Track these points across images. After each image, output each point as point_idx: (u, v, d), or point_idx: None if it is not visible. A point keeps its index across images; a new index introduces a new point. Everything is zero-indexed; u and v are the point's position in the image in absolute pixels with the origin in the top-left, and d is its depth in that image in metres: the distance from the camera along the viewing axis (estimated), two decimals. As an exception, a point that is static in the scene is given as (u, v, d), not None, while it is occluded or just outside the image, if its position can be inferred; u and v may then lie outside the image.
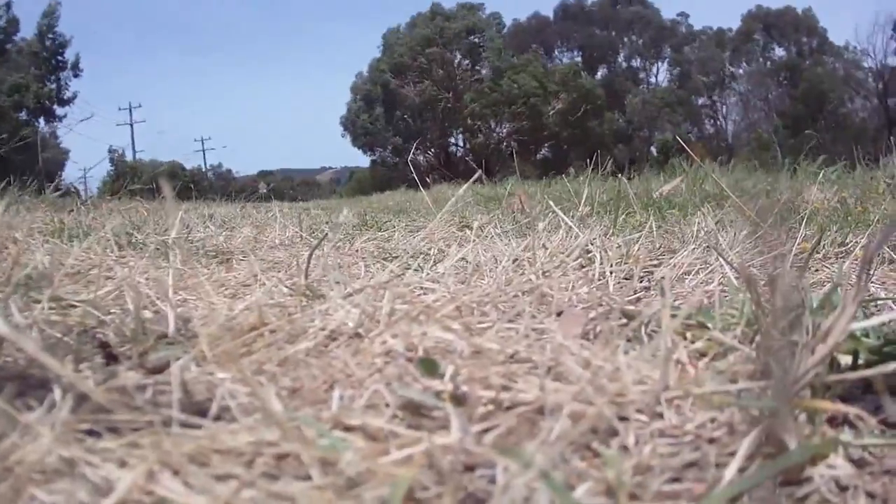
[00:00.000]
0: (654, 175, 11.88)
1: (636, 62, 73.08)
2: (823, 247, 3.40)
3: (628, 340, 1.64)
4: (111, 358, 1.58)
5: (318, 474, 0.98)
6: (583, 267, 2.60)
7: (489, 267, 2.60)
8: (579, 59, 71.13)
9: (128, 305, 1.96)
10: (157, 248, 3.33)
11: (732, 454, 1.04)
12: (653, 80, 72.89)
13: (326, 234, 4.30)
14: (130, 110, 69.21)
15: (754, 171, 10.04)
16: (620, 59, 73.19)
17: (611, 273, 2.45)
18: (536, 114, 60.45)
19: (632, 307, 1.99)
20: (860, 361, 1.38)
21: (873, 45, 63.08)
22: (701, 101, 70.06)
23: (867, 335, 1.41)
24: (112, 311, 1.97)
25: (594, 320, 1.79)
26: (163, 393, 1.32)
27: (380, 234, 4.74)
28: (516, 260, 2.65)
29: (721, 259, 2.40)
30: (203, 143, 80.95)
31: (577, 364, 1.37)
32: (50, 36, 48.68)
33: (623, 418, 1.17)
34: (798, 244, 3.01)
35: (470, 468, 1.02)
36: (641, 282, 2.51)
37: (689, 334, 1.62)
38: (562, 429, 1.07)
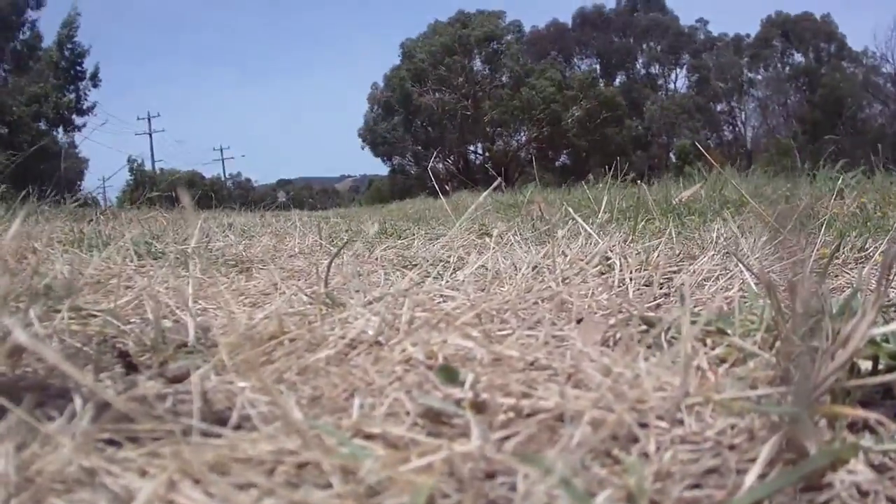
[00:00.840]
0: (674, 181, 11.87)
1: (654, 68, 73.08)
2: (843, 252, 3.39)
3: (648, 347, 1.63)
4: (131, 367, 1.59)
5: (338, 482, 0.99)
6: (602, 274, 2.60)
7: (509, 274, 2.60)
8: (598, 65, 71.14)
9: (148, 315, 1.96)
10: (177, 258, 3.33)
11: (753, 460, 1.03)
12: (671, 86, 72.91)
13: (347, 242, 4.30)
14: (149, 120, 69.50)
15: (773, 176, 10.03)
16: (639, 65, 73.22)
17: (630, 280, 2.45)
18: (555, 121, 60.43)
19: (651, 314, 1.99)
20: (880, 367, 1.38)
21: (892, 49, 63.08)
22: (719, 107, 70.02)
23: (887, 340, 1.40)
24: (132, 320, 1.97)
25: (614, 327, 1.79)
26: (183, 402, 1.32)
27: (399, 241, 4.73)
28: (536, 267, 2.64)
29: (741, 265, 2.39)
30: (222, 153, 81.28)
31: (597, 371, 1.37)
32: (69, 46, 48.76)
33: (643, 425, 1.16)
34: (817, 250, 3.00)
35: (490, 476, 1.02)
36: (661, 288, 2.51)
37: (709, 340, 1.62)
38: (582, 436, 1.07)
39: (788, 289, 1.28)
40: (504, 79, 63.29)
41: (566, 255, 2.78)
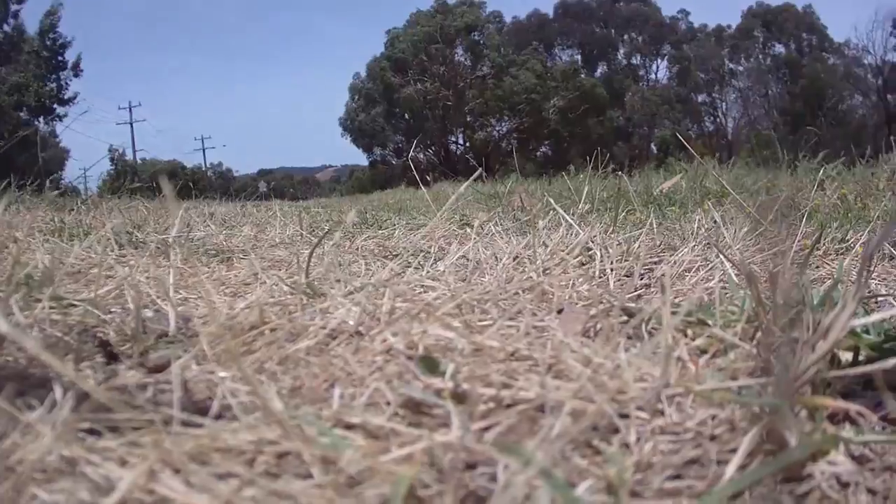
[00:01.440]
0: (655, 172, 11.88)
1: (636, 59, 73.10)
2: (824, 243, 3.40)
3: (629, 338, 1.64)
4: (112, 357, 1.59)
5: (318, 472, 0.98)
6: (583, 264, 2.60)
7: (490, 265, 2.60)
8: (579, 56, 71.16)
9: (128, 304, 1.96)
10: (158, 247, 3.33)
11: (733, 451, 1.04)
12: (652, 77, 72.94)
13: (327, 232, 4.30)
14: (130, 109, 69.20)
15: (754, 167, 10.05)
16: (620, 56, 73.20)
17: (611, 270, 2.46)
18: (536, 111, 60.42)
19: (632, 304, 1.99)
20: (861, 358, 1.38)
21: (873, 41, 63.12)
22: (701, 98, 70.07)
23: (867, 332, 1.41)
24: (112, 309, 1.97)
25: (595, 318, 1.79)
26: (163, 392, 1.32)
27: (380, 232, 4.73)
28: (517, 258, 2.65)
29: (721, 256, 2.40)
30: (203, 142, 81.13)
31: (577, 361, 1.37)
32: (51, 35, 48.63)
33: (624, 416, 1.17)
34: (798, 241, 3.01)
35: (471, 466, 1.02)
36: (642, 279, 2.51)
37: (689, 331, 1.63)
38: (562, 426, 1.07)
39: (769, 280, 1.29)
40: (486, 69, 63.24)
41: (547, 246, 2.78)
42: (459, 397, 1.23)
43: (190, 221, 5.18)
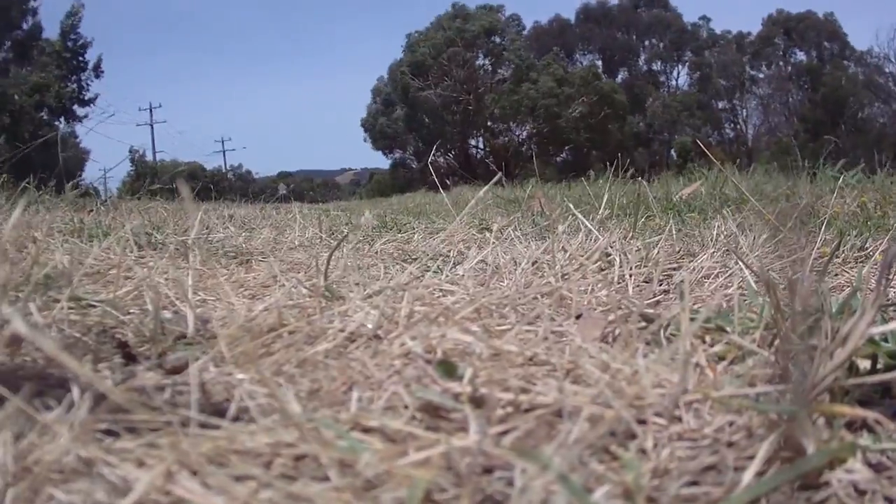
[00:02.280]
0: (674, 178, 11.86)
1: (657, 65, 73.03)
2: (843, 251, 3.39)
3: (647, 344, 1.63)
4: (130, 358, 1.59)
5: (336, 475, 0.99)
6: (602, 270, 2.60)
7: (508, 269, 2.60)
8: (600, 61, 71.10)
9: (147, 305, 1.96)
10: (177, 249, 3.33)
11: (751, 458, 1.04)
12: (673, 83, 72.85)
13: (346, 234, 4.30)
14: (151, 111, 69.36)
15: (774, 174, 10.02)
16: (641, 62, 73.13)
17: (630, 276, 2.45)
18: (556, 116, 60.33)
19: (651, 311, 1.99)
20: (879, 366, 1.38)
21: (894, 49, 62.94)
22: (721, 104, 69.98)
23: (886, 340, 1.40)
24: (131, 311, 1.97)
25: (613, 323, 1.79)
26: (181, 393, 1.32)
27: (399, 235, 4.73)
28: (536, 262, 2.64)
29: (741, 263, 2.39)
30: (223, 144, 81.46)
31: (595, 367, 1.37)
32: (72, 36, 48.76)
33: (641, 421, 1.16)
34: (817, 248, 3.00)
35: (488, 470, 1.02)
36: (661, 285, 2.51)
37: (707, 338, 1.62)
38: (580, 432, 1.07)
39: (788, 287, 1.28)
40: (505, 73, 63.17)
41: (566, 251, 2.78)
42: (477, 401, 1.23)
43: (209, 223, 5.18)
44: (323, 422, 1.12)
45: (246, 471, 1.00)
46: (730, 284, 2.45)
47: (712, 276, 2.59)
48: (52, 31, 49.80)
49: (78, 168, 44.27)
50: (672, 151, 63.26)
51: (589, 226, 3.15)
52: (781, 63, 68.55)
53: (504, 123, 63.71)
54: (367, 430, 1.15)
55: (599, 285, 2.32)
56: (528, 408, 1.21)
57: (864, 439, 1.17)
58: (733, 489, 0.98)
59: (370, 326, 1.65)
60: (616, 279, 2.47)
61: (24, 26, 48.82)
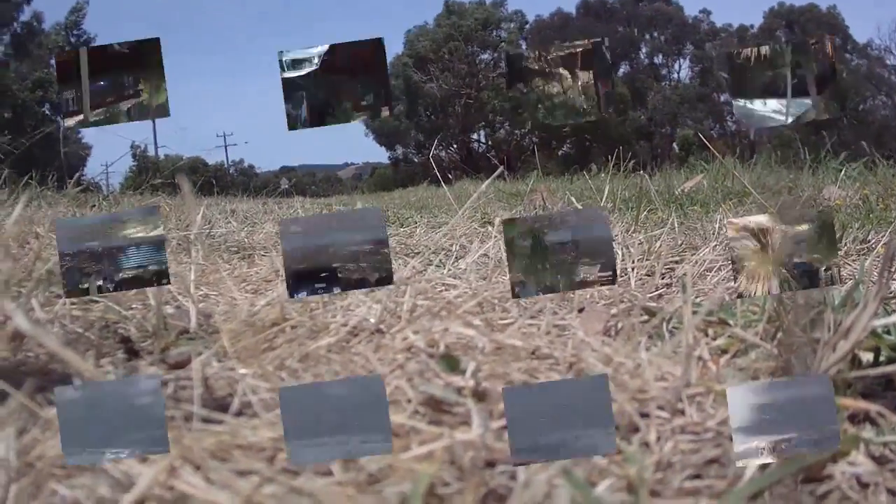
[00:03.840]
0: (676, 171, 11.86)
1: (658, 59, 72.91)
2: (845, 244, 3.38)
3: (650, 337, 1.63)
4: (132, 353, 1.59)
5: (339, 470, 0.99)
6: (604, 263, 2.60)
7: (510, 263, 2.60)
8: (601, 55, 70.91)
9: (149, 301, 1.96)
10: (179, 244, 3.33)
11: (754, 451, 1.04)
12: (675, 76, 72.75)
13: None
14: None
15: (776, 167, 10.02)
16: (642, 55, 73.02)
17: (632, 269, 2.45)
18: (558, 109, 60.14)
19: (653, 304, 1.99)
20: (881, 358, 1.38)
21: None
22: (723, 97, 69.88)
23: (889, 332, 1.40)
24: (133, 306, 1.97)
25: (616, 317, 1.79)
26: (184, 388, 1.32)
27: (402, 230, 4.73)
28: (538, 256, 2.64)
29: (743, 256, 2.39)
30: (225, 139, 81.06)
31: (598, 360, 1.37)
32: (75, 32, 48.81)
33: (644, 415, 1.16)
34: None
35: (491, 464, 1.02)
36: (663, 278, 2.51)
37: (710, 331, 1.62)
38: (583, 425, 1.07)
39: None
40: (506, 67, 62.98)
41: (568, 245, 2.77)
42: (480, 395, 1.23)
43: (211, 218, 5.18)
44: (326, 416, 1.12)
45: (249, 466, 1.00)
46: (732, 277, 2.45)
47: (714, 269, 2.59)
48: (50, 26, 49.87)
49: (80, 163, 44.36)
50: (674, 144, 63.19)
51: (591, 219, 3.14)
52: (783, 56, 68.38)
53: (505, 117, 63.59)
54: (369, 425, 1.15)
55: (602, 279, 2.32)
56: (531, 401, 1.21)
57: (867, 432, 1.17)
58: (736, 482, 0.98)
59: (373, 321, 1.65)
60: (618, 272, 2.47)
61: (22, 18, 48.92)
